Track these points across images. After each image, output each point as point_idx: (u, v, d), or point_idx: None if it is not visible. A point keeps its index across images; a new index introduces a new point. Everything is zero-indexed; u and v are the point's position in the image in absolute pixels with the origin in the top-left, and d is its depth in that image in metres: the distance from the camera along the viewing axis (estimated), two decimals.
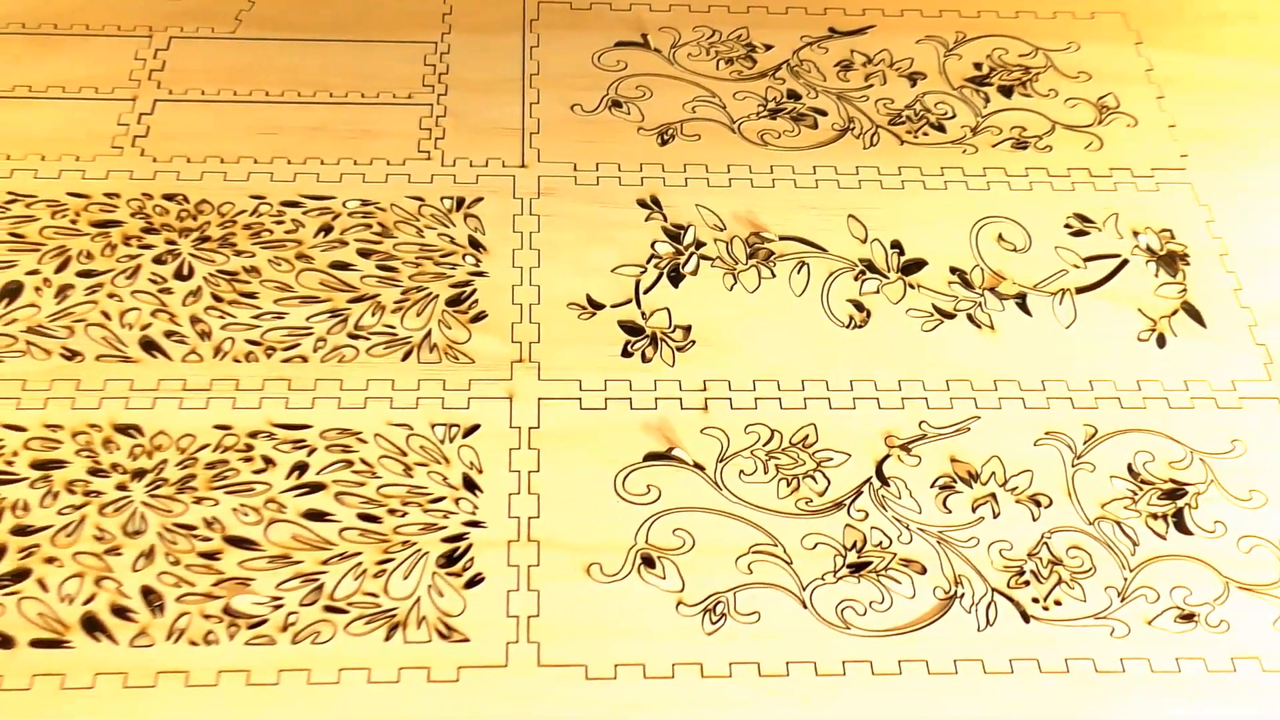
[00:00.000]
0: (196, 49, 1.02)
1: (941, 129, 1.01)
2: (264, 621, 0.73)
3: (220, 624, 0.73)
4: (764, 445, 0.83)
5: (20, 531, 0.76)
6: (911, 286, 0.91)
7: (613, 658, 0.73)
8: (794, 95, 1.03)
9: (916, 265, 0.93)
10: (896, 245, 0.93)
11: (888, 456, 0.83)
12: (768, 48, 1.07)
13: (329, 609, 0.74)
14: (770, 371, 0.86)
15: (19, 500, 0.77)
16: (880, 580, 0.77)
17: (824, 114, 1.02)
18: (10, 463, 0.78)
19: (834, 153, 0.99)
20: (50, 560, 0.75)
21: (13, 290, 0.86)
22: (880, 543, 0.78)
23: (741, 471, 0.81)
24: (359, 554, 0.76)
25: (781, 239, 0.93)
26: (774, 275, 0.91)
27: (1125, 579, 0.77)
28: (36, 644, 0.72)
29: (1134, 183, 0.98)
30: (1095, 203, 0.97)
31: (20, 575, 0.74)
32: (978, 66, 1.06)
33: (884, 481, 0.81)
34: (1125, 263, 0.93)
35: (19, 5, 1.03)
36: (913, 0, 1.11)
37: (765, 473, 0.81)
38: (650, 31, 1.05)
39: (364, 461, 0.80)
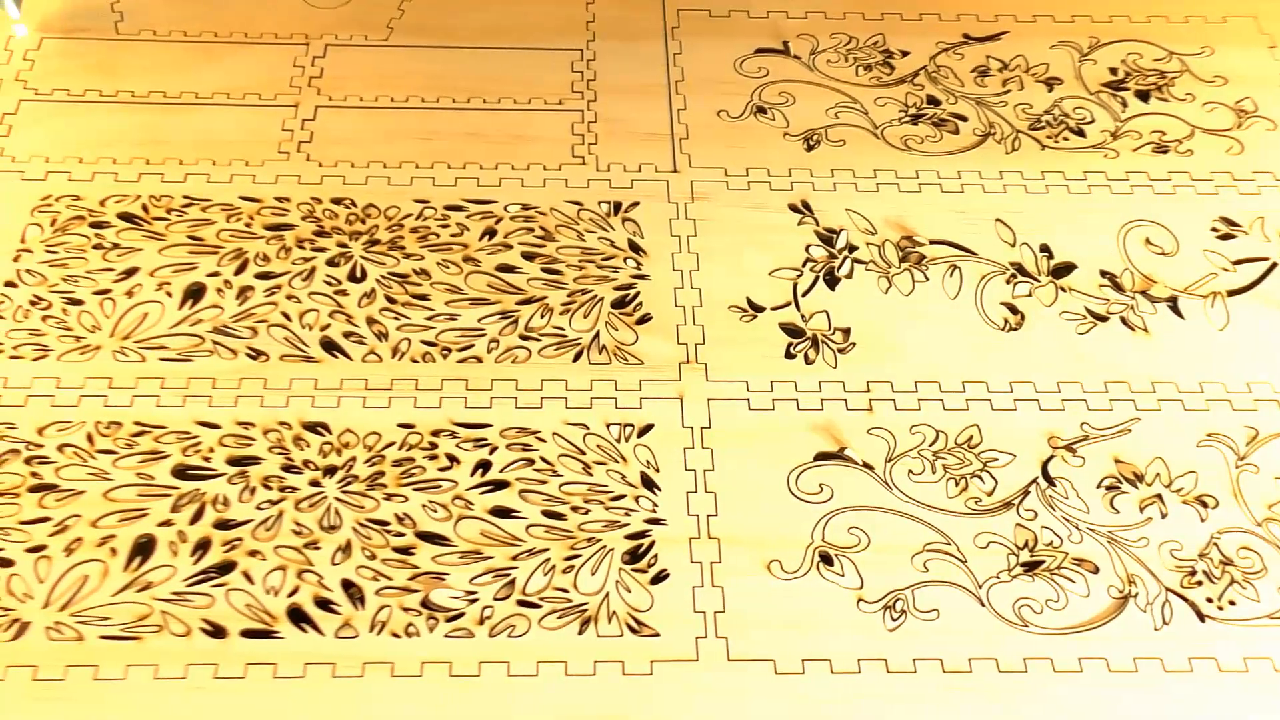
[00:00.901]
0: (352, 56, 1.05)
1: (1081, 134, 1.03)
2: (461, 615, 0.76)
3: (419, 617, 0.76)
4: (930, 445, 0.84)
5: (223, 525, 0.78)
6: (1063, 290, 0.93)
7: (799, 653, 0.75)
8: (934, 101, 1.05)
9: (1066, 269, 0.94)
10: (1045, 249, 0.95)
11: (1052, 457, 0.84)
12: (904, 54, 1.08)
13: (522, 603, 0.77)
14: (930, 373, 0.88)
15: (219, 495, 0.80)
16: (1054, 579, 0.79)
17: (964, 119, 1.03)
18: (208, 459, 0.81)
19: (977, 157, 1.01)
20: (253, 553, 0.77)
21: (195, 292, 0.89)
22: (1051, 542, 0.80)
23: (910, 471, 0.83)
24: (546, 550, 0.79)
25: (932, 243, 0.95)
26: (927, 279, 0.93)
27: None
28: (247, 634, 0.75)
29: (1278, 186, 0.99)
30: (1240, 206, 0.98)
31: (226, 568, 0.77)
32: (1113, 71, 1.07)
33: (1050, 482, 0.83)
34: (1275, 266, 0.94)
35: (181, 13, 1.06)
36: (1044, 6, 1.12)
37: (933, 472, 0.83)
38: (789, 39, 1.07)
39: (544, 460, 0.83)
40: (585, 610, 0.77)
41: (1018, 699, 0.74)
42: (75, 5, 1.06)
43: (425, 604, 0.76)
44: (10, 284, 0.88)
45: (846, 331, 0.90)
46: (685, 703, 0.74)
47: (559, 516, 0.80)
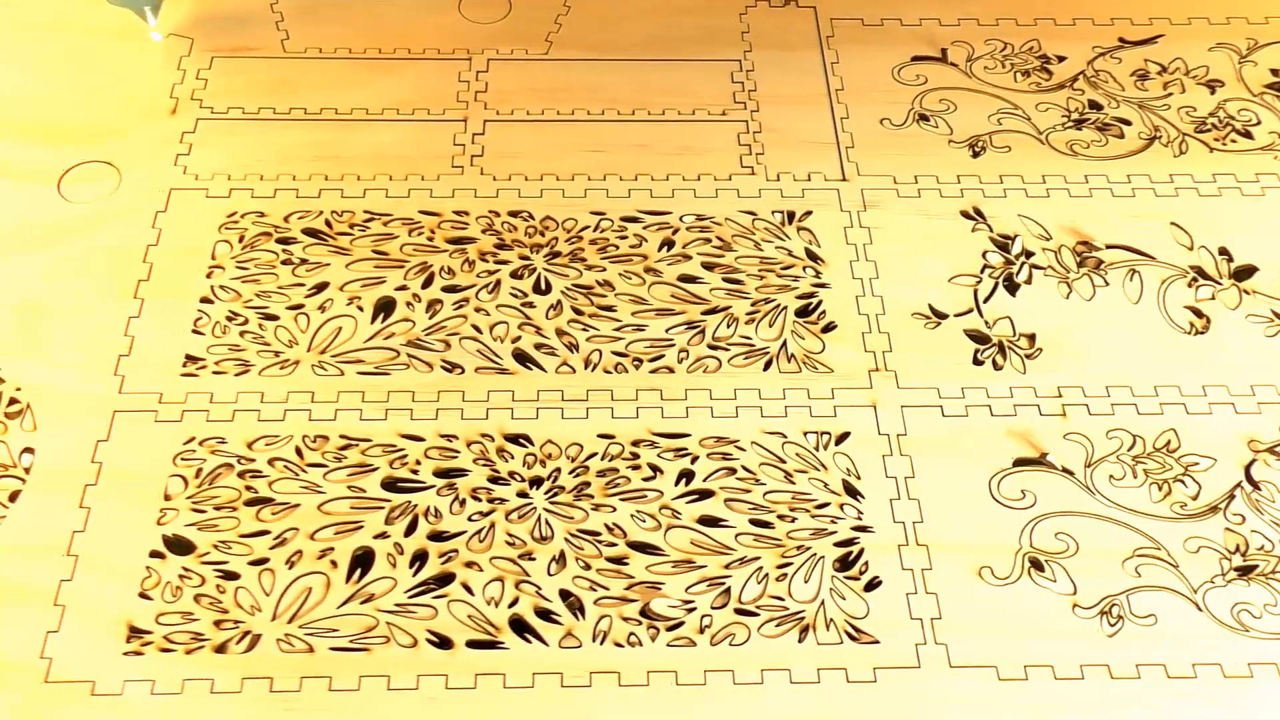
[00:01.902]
0: (514, 70, 1.06)
1: (1249, 135, 1.02)
2: (681, 624, 0.76)
3: (640, 626, 0.76)
4: (1129, 450, 0.84)
5: (436, 537, 0.79)
6: (1246, 293, 0.92)
7: (1021, 659, 0.75)
8: (1096, 105, 1.05)
9: (1247, 271, 0.94)
10: (1224, 252, 0.95)
11: (1254, 461, 0.84)
12: (1061, 59, 1.08)
13: (740, 611, 0.77)
14: (1120, 378, 0.88)
15: (429, 507, 0.80)
16: (1270, 583, 0.78)
17: (1128, 123, 1.03)
18: (415, 471, 0.82)
19: (1145, 161, 1.01)
20: (470, 565, 0.78)
21: (385, 305, 0.90)
22: (1262, 546, 0.80)
23: (1111, 476, 0.83)
24: (758, 558, 0.79)
25: (1109, 247, 0.95)
26: (1107, 283, 0.93)
27: None
28: (473, 644, 0.75)
29: None
30: None
31: (445, 579, 0.78)
32: (1275, 73, 1.07)
33: (1255, 485, 0.83)
34: None
35: (343, 30, 1.07)
36: (1198, 8, 1.11)
37: (1134, 477, 0.83)
38: (945, 46, 1.07)
39: (745, 469, 0.83)
40: (803, 618, 0.77)
41: (1243, 704, 0.74)
42: (242, 25, 1.07)
43: (645, 613, 0.77)
44: (206, 300, 0.89)
45: (1032, 337, 0.90)
46: (911, 709, 0.74)
47: (766, 525, 0.81)
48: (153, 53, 1.04)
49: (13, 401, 0.83)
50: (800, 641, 0.76)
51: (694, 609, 0.77)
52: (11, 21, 1.06)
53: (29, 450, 0.81)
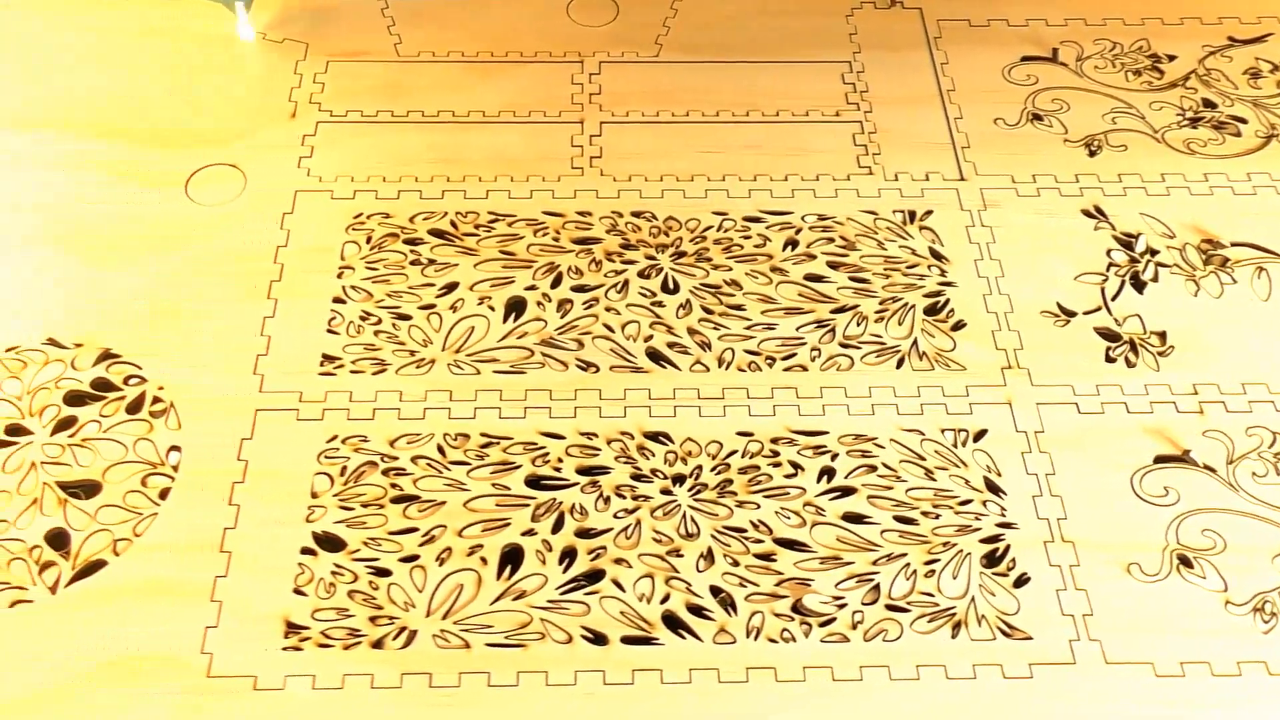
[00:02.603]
0: (625, 72, 1.06)
1: None
2: (833, 620, 0.76)
3: (793, 622, 0.76)
4: (1270, 448, 0.84)
5: (584, 534, 0.79)
6: None
7: (1176, 655, 0.75)
8: (1210, 104, 1.05)
9: None
10: None
11: None
12: (1171, 58, 1.08)
13: (890, 608, 0.77)
14: (1255, 374, 0.88)
15: (574, 504, 0.81)
16: None
17: (1244, 121, 1.03)
18: (558, 468, 0.82)
19: (1265, 159, 1.00)
20: (619, 561, 0.78)
21: (517, 305, 0.90)
22: None
23: (1254, 473, 0.83)
24: (905, 555, 0.79)
25: (1234, 245, 0.95)
26: (1234, 281, 0.93)
27: None
28: (628, 640, 0.75)
29: None
30: None
31: (595, 576, 0.78)
32: None
33: None
34: None
35: (455, 34, 1.08)
36: None
37: (1278, 474, 0.82)
38: (1054, 46, 1.07)
39: (886, 466, 0.83)
40: (954, 614, 0.77)
41: None
42: (354, 30, 1.08)
43: (796, 609, 0.77)
44: (338, 300, 0.90)
45: (1163, 335, 0.90)
46: (1067, 705, 0.74)
47: (911, 521, 0.81)
48: (270, 57, 1.05)
49: (156, 400, 0.84)
50: (953, 637, 0.76)
51: (845, 605, 0.77)
52: (131, 28, 1.07)
53: (176, 448, 0.82)
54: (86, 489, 0.80)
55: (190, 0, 1.06)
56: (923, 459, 0.83)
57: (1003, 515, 0.81)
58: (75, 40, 1.06)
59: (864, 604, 0.77)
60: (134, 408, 0.84)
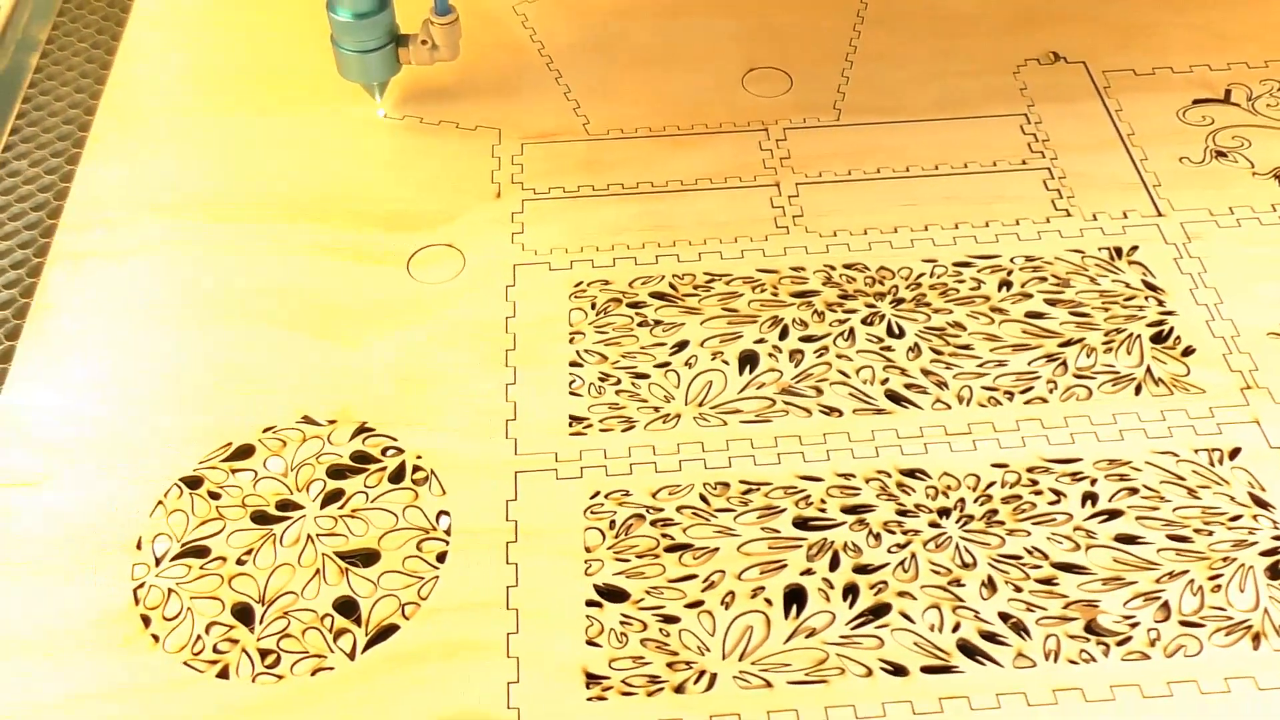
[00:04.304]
0: (809, 137, 1.09)
1: None
2: (1128, 639, 0.76)
3: (1089, 643, 0.76)
4: None
5: (861, 570, 0.80)
6: None
7: None
8: None
9: None
10: None
11: None
12: None
13: (1184, 624, 0.76)
14: None
15: (845, 542, 0.81)
16: None
17: None
18: (822, 509, 0.83)
19: None
20: (902, 594, 0.78)
21: (749, 358, 0.92)
22: None
23: None
24: (1186, 571, 0.79)
25: None
26: None
27: None
28: (927, 670, 0.75)
29: None
30: None
31: (881, 610, 0.78)
32: None
33: None
34: None
35: (636, 111, 1.12)
36: None
37: None
38: (1225, 88, 1.10)
39: (1147, 487, 0.83)
40: (1250, 626, 0.76)
41: None
42: (543, 113, 1.12)
43: (1090, 629, 0.76)
44: (575, 364, 0.92)
45: None
46: None
47: (1184, 539, 0.81)
48: (466, 144, 1.09)
49: (416, 469, 0.85)
50: (1255, 649, 0.75)
51: (1137, 624, 0.77)
52: (324, 121, 1.11)
53: (444, 513, 0.83)
54: (364, 557, 0.81)
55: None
56: (1182, 479, 0.84)
57: (1276, 528, 0.81)
58: (283, 138, 1.10)
59: (1156, 621, 0.77)
60: (396, 477, 0.85)
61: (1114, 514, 0.82)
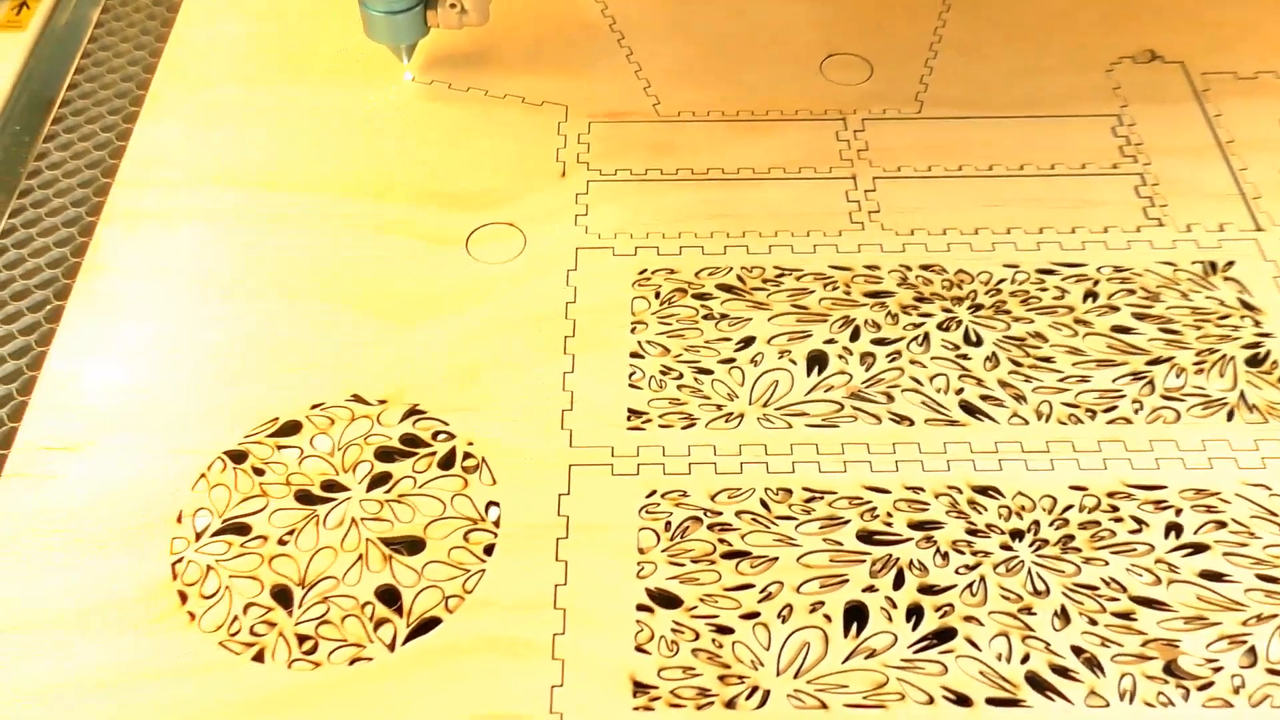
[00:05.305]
0: (889, 129, 1.05)
1: None
2: (1211, 684, 0.71)
3: (1167, 685, 0.71)
4: None
5: (927, 591, 0.75)
6: None
7: None
8: None
9: None
10: None
11: None
12: None
13: (1271, 671, 0.72)
14: None
15: (911, 559, 0.77)
16: None
17: None
18: (888, 523, 0.79)
19: None
20: (969, 619, 0.74)
21: (818, 359, 0.87)
22: None
23: None
24: (1276, 615, 0.74)
25: None
26: None
27: None
28: (993, 702, 0.71)
29: None
30: None
31: (946, 634, 0.74)
32: None
33: None
34: None
35: (710, 95, 1.08)
36: None
37: None
38: None
39: (1236, 521, 0.78)
40: None
41: None
42: (613, 92, 1.08)
43: (1169, 670, 0.72)
44: (635, 355, 0.88)
45: None
46: None
47: (1275, 580, 0.76)
48: (532, 119, 1.05)
49: (467, 456, 0.82)
50: None
51: (1220, 668, 0.72)
52: (387, 94, 1.07)
53: (494, 504, 0.80)
54: (409, 545, 0.78)
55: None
56: (1274, 514, 0.79)
57: None
58: (344, 108, 1.07)
59: (1242, 667, 0.72)
60: (446, 463, 0.82)
61: (1199, 548, 0.77)
